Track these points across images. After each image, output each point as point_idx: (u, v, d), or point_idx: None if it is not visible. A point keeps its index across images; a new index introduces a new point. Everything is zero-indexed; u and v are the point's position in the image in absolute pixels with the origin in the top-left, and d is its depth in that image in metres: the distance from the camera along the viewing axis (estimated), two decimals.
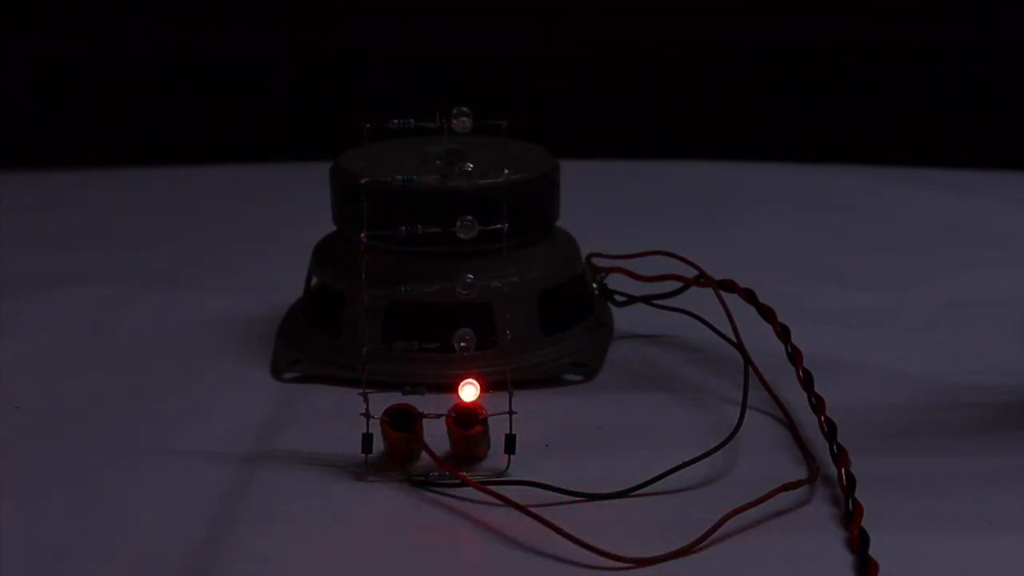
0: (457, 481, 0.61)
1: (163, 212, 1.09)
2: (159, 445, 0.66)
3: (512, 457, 0.63)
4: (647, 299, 0.79)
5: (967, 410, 0.70)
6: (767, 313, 0.71)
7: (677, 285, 0.77)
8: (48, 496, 0.62)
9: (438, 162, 0.70)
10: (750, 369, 0.69)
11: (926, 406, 0.71)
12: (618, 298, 0.80)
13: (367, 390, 0.62)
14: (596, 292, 0.80)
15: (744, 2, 1.26)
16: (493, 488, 0.60)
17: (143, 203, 1.12)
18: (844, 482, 0.61)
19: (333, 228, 0.77)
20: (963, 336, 0.80)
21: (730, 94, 1.26)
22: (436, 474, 0.62)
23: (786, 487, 0.60)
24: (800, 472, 0.63)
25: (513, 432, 0.63)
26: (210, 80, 1.27)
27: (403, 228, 0.64)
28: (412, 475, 0.63)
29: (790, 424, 0.67)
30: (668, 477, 0.61)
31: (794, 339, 0.69)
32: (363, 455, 0.63)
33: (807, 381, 0.68)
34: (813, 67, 1.25)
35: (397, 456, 0.64)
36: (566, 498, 0.60)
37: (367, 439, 0.63)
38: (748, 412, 0.67)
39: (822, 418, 0.65)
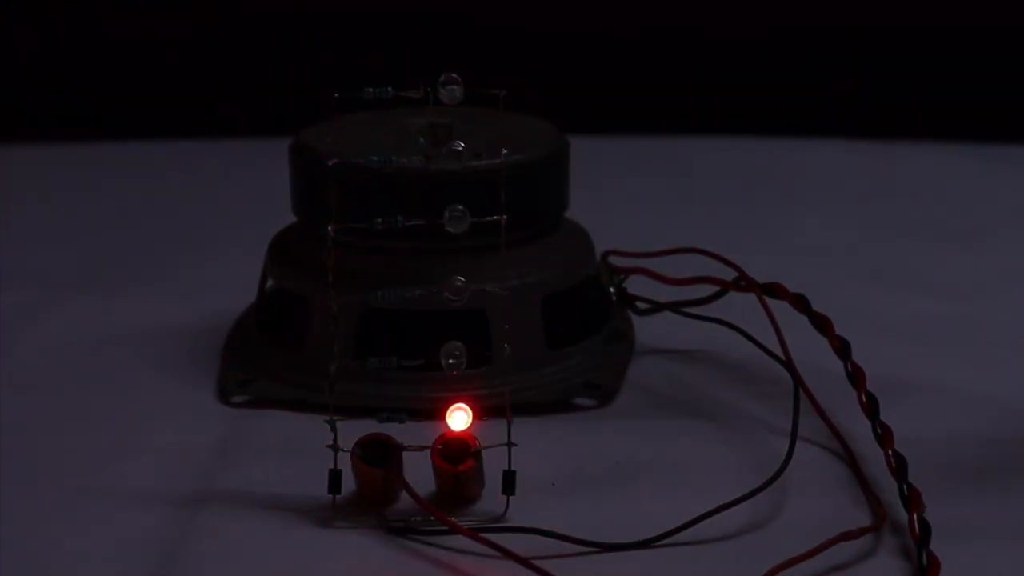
0: (444, 528, 0.61)
1: (86, 198, 1.09)
2: (81, 483, 0.66)
3: (511, 499, 0.63)
4: (675, 306, 0.79)
5: None
6: (822, 324, 0.71)
7: (712, 289, 0.77)
8: None
9: (422, 140, 0.70)
10: (801, 392, 0.69)
11: (1016, 438, 0.71)
12: (640, 305, 0.81)
13: (335, 417, 0.62)
14: (613, 298, 0.80)
15: None
16: (488, 536, 0.60)
17: (60, 187, 1.12)
18: (917, 530, 0.61)
19: (293, 219, 0.78)
20: None
21: (771, 55, 1.26)
22: (419, 519, 0.62)
23: (845, 536, 0.60)
24: (863, 518, 0.63)
25: (512, 468, 0.63)
26: (143, 42, 1.27)
27: (379, 220, 0.64)
28: (390, 520, 0.63)
29: (850, 459, 0.68)
30: (701, 523, 0.62)
31: (855, 355, 0.70)
32: (330, 496, 0.63)
33: (871, 407, 0.68)
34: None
35: (371, 497, 0.64)
36: (577, 548, 0.61)
37: (335, 476, 0.63)
38: (798, 444, 0.67)
39: (889, 452, 0.65)
